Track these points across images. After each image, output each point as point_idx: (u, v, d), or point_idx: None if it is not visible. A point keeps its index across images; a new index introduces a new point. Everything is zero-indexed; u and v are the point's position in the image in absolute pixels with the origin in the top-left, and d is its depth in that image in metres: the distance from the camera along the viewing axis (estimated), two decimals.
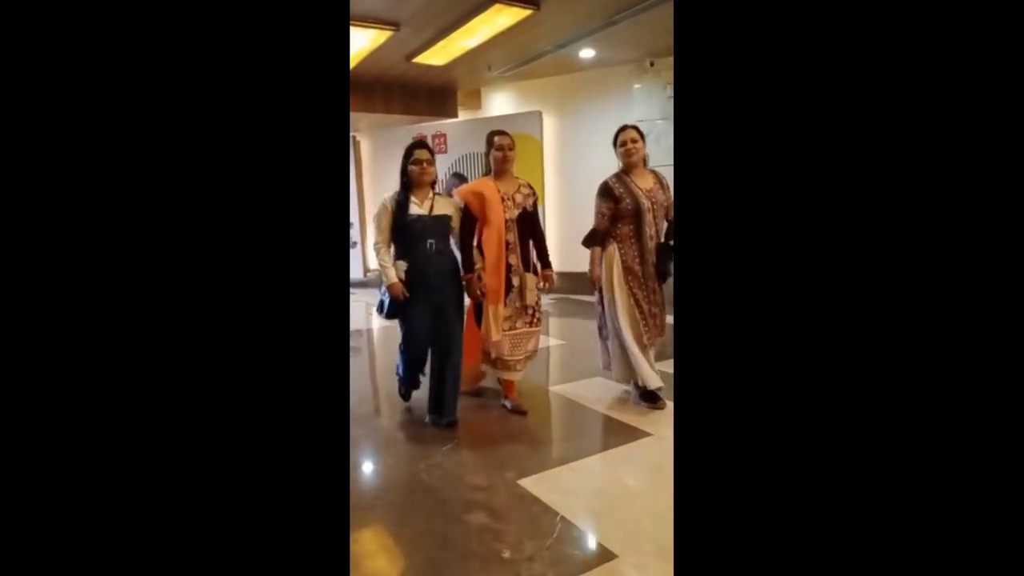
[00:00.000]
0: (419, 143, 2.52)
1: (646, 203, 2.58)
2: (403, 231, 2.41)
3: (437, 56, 4.71)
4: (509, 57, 4.87)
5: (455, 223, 2.55)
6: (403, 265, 2.40)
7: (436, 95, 6.04)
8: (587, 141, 5.52)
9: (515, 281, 2.60)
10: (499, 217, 2.54)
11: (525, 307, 2.63)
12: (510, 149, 2.61)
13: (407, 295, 2.38)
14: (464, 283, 2.55)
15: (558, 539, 1.65)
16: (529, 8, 3.63)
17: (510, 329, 2.61)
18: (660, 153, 5.19)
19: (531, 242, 2.68)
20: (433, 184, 2.53)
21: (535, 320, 2.68)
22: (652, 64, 5.09)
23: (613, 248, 2.64)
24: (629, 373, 2.66)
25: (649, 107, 5.21)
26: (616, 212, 2.62)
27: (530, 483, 1.97)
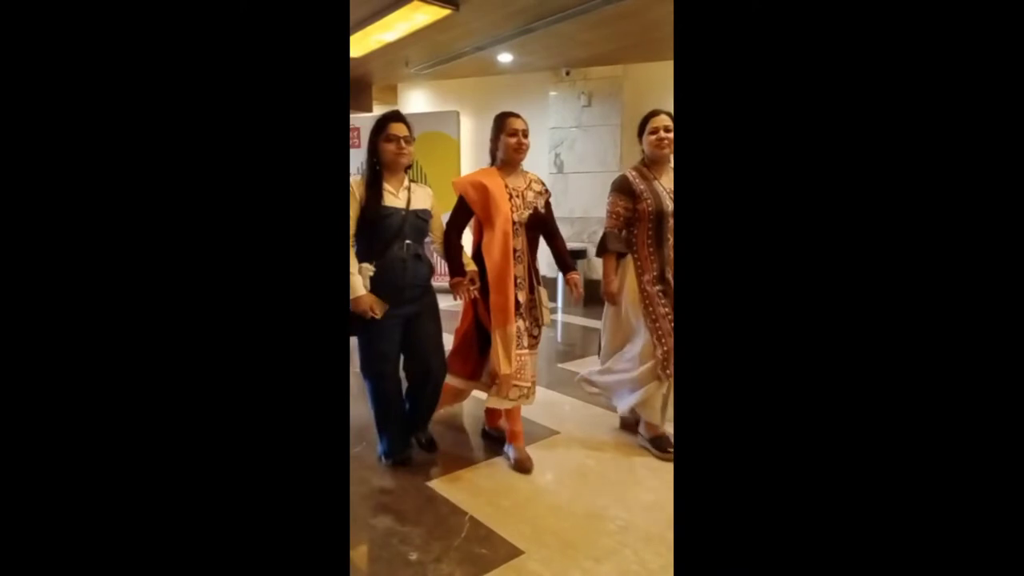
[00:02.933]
0: (393, 115, 1.94)
1: (670, 205, 2.11)
2: (372, 227, 1.87)
3: (352, 48, 4.58)
4: (427, 55, 4.83)
5: (435, 221, 2.07)
6: (369, 269, 1.87)
7: (351, 88, 5.87)
8: None
9: (520, 297, 2.05)
10: (505, 218, 1.99)
11: (537, 325, 2.12)
12: (526, 136, 2.05)
13: (376, 311, 1.86)
14: (451, 287, 2.07)
15: (466, 539, 1.66)
16: (448, 8, 3.62)
17: (528, 348, 2.09)
18: (573, 159, 5.36)
19: (539, 249, 2.20)
20: (408, 169, 2.01)
21: (536, 340, 2.16)
22: (568, 73, 5.24)
23: (628, 260, 2.19)
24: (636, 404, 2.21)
25: (564, 115, 5.36)
26: (634, 213, 2.15)
27: (439, 484, 1.97)
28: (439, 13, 3.72)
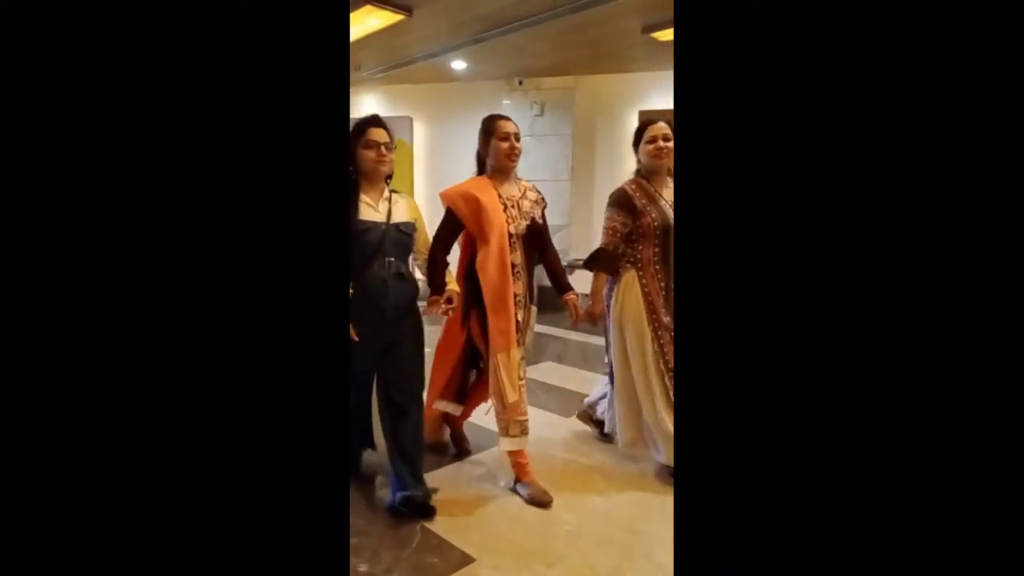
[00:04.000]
0: (373, 119, 1.77)
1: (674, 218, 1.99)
2: (350, 243, 1.69)
3: None
4: (380, 59, 4.78)
5: (419, 235, 1.88)
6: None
7: None
8: (457, 151, 5.58)
9: (519, 316, 1.89)
10: (501, 232, 1.83)
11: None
12: (519, 139, 1.90)
13: (356, 337, 1.65)
14: (427, 304, 1.88)
15: (417, 548, 1.65)
16: (401, 13, 3.60)
17: (520, 379, 1.90)
18: (525, 168, 5.41)
19: (540, 262, 2.02)
20: (388, 178, 1.83)
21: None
22: (521, 82, 5.29)
23: (632, 276, 2.00)
24: (637, 437, 2.06)
25: (517, 123, 5.40)
26: (636, 229, 1.99)
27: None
28: (392, 18, 3.70)
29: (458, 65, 4.89)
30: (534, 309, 2.00)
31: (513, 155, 1.88)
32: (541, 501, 1.89)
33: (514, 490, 1.98)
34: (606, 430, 2.27)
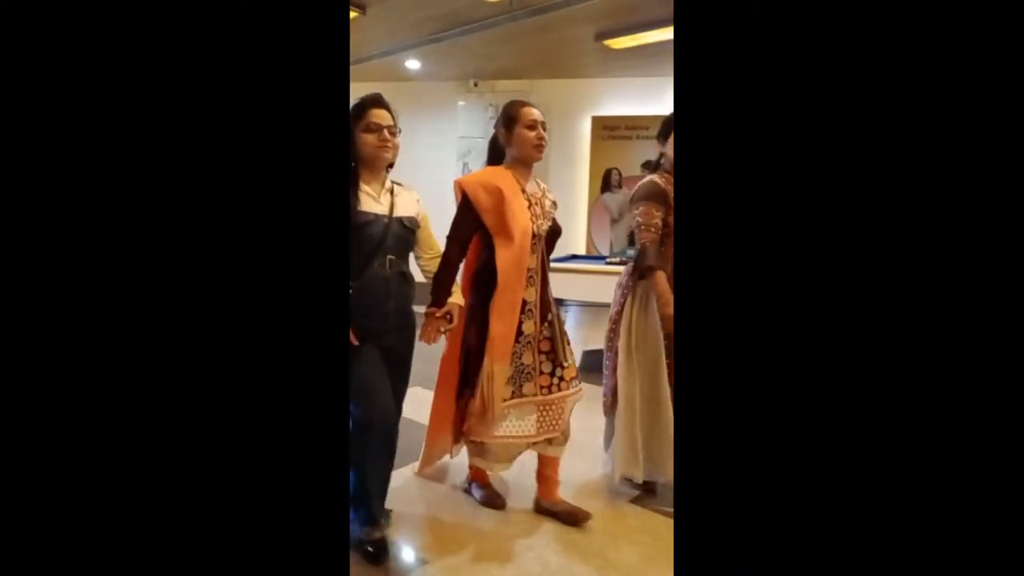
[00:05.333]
0: (373, 99, 1.54)
1: None
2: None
3: None
4: None
5: (423, 232, 1.68)
6: None
7: None
8: (413, 152, 5.54)
9: (527, 327, 1.67)
10: (524, 231, 1.62)
11: (557, 363, 1.72)
12: (545, 128, 1.70)
13: (356, 341, 1.50)
14: (424, 316, 1.67)
15: None
16: (354, 10, 3.55)
17: (512, 397, 1.67)
18: (478, 169, 5.42)
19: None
20: (390, 167, 1.64)
21: (573, 378, 1.76)
22: (476, 84, 5.30)
23: (653, 282, 1.79)
24: (634, 462, 1.84)
25: (472, 125, 5.41)
26: (664, 227, 1.80)
27: None
28: None
29: (412, 65, 4.86)
30: (561, 318, 1.79)
31: (541, 146, 1.68)
32: (495, 503, 1.89)
33: (467, 491, 1.97)
34: (605, 448, 2.02)
